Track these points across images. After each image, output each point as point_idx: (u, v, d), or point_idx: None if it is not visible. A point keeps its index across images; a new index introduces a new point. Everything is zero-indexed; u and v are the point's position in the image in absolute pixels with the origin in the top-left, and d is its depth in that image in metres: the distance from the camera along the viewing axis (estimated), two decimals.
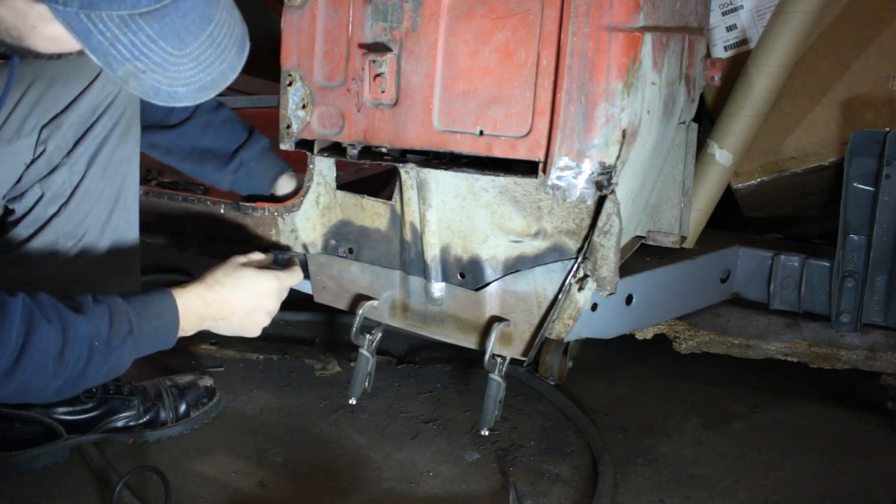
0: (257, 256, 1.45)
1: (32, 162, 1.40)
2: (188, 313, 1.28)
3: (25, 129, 1.38)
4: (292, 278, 1.47)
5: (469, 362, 2.08)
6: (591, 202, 1.32)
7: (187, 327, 1.28)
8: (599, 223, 1.33)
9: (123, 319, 1.17)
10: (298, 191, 1.61)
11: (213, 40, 1.03)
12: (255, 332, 1.40)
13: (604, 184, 1.30)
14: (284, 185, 1.68)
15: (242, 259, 1.41)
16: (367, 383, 1.64)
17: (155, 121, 1.61)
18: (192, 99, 1.04)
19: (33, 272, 1.45)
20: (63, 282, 1.46)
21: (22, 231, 1.44)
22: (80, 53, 1.03)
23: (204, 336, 2.21)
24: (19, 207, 1.43)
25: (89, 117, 1.44)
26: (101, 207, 1.47)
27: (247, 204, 1.65)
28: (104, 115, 1.45)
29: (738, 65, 1.95)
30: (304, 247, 1.62)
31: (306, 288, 1.72)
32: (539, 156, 1.30)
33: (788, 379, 2.06)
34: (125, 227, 1.52)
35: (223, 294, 1.32)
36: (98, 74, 1.42)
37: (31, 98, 1.38)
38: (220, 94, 1.14)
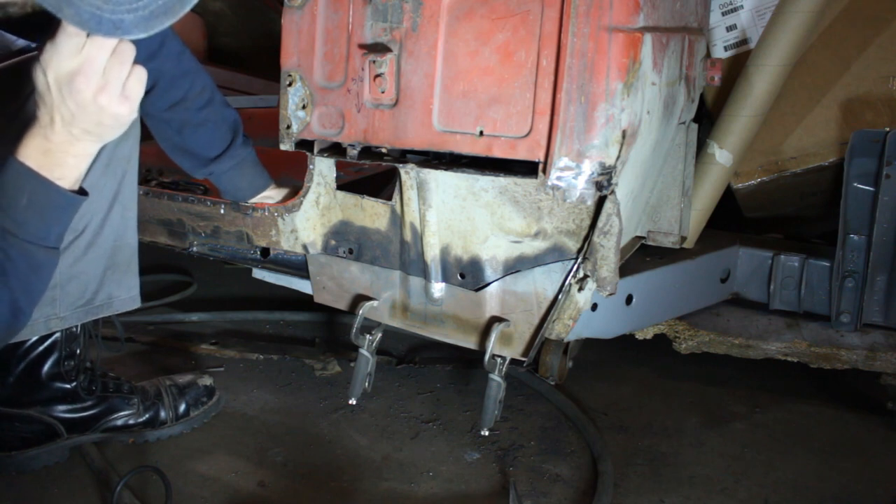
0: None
1: None
2: (51, 164, 1.06)
3: None
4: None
5: (469, 362, 2.08)
6: (591, 202, 1.32)
7: (59, 173, 1.07)
8: (599, 223, 1.33)
9: None
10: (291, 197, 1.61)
11: None
12: (118, 118, 1.07)
13: (604, 184, 1.30)
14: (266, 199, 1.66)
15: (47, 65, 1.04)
16: (367, 383, 1.64)
17: None
18: (143, 28, 0.94)
19: None
20: (61, 277, 1.46)
21: None
22: None
23: (204, 336, 2.22)
24: None
25: None
26: (101, 203, 1.47)
27: (246, 204, 1.65)
28: None
29: (738, 65, 1.95)
30: (304, 247, 1.62)
31: (306, 288, 1.72)
32: (539, 156, 1.30)
33: (788, 379, 2.06)
34: (123, 224, 1.52)
35: (49, 115, 1.05)
36: None
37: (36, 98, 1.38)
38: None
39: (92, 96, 1.03)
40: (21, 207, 1.06)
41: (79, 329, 1.58)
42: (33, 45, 1.44)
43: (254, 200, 1.66)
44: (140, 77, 1.07)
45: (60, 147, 1.06)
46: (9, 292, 1.07)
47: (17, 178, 1.06)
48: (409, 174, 1.43)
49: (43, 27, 1.28)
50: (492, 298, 1.49)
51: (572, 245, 1.39)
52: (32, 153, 1.06)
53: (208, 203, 1.69)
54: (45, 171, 1.06)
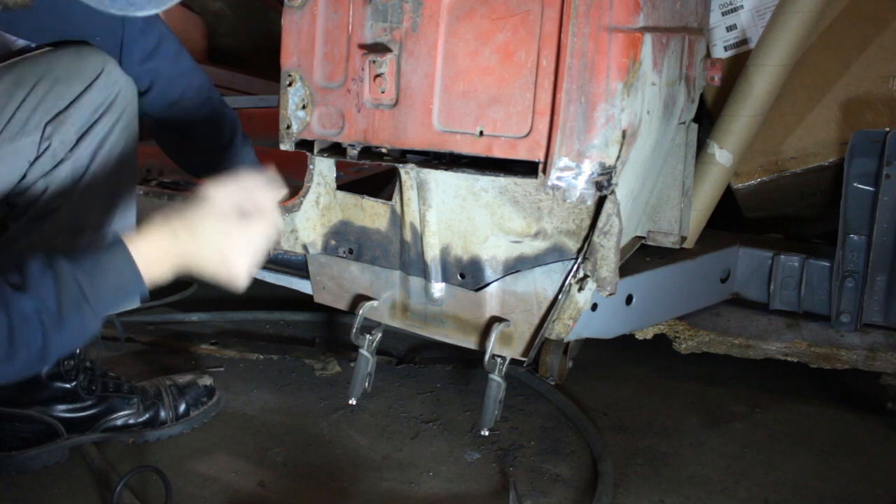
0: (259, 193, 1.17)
1: (37, 158, 1.41)
2: (151, 265, 1.12)
3: (29, 127, 1.39)
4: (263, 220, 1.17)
5: (469, 362, 2.08)
6: (591, 202, 1.32)
7: (156, 276, 1.13)
8: (599, 223, 1.33)
9: (71, 287, 1.07)
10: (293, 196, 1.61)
11: None
12: (238, 283, 1.18)
13: (604, 184, 1.30)
14: None
15: (226, 201, 1.15)
16: (367, 383, 1.64)
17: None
18: (156, 5, 0.95)
19: None
20: None
21: (23, 226, 1.44)
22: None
23: (204, 336, 2.22)
24: (22, 202, 1.44)
25: (92, 115, 1.44)
26: (100, 202, 1.48)
27: None
28: (106, 114, 1.46)
29: (738, 65, 1.95)
30: (304, 247, 1.62)
31: (306, 288, 1.72)
32: (539, 156, 1.30)
33: (788, 379, 2.06)
34: (122, 223, 1.52)
35: (190, 246, 1.13)
36: (99, 75, 1.43)
37: (35, 97, 1.39)
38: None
39: (234, 269, 1.15)
40: (107, 286, 1.09)
41: None
42: (33, 45, 1.45)
43: None
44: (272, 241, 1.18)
45: (176, 268, 1.13)
46: (44, 339, 1.06)
47: (118, 261, 1.10)
48: (409, 174, 1.43)
49: (45, 27, 1.28)
50: (492, 298, 1.49)
51: (572, 245, 1.39)
52: (145, 249, 1.10)
53: None
54: (143, 266, 1.11)
